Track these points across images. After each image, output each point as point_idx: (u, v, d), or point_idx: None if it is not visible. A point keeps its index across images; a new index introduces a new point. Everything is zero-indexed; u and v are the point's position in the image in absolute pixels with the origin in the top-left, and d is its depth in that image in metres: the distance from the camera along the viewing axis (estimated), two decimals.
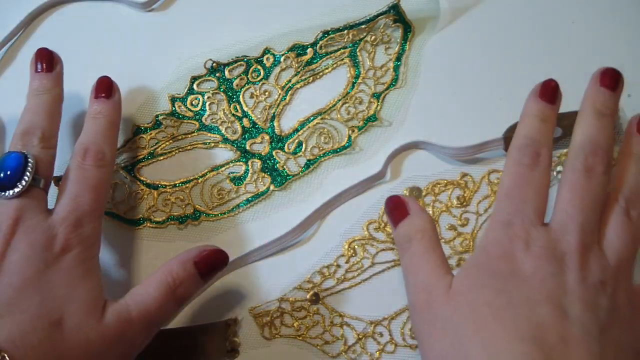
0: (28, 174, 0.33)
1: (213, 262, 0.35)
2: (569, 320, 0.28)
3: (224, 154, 0.42)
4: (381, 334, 0.38)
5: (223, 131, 0.42)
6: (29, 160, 0.34)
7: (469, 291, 0.30)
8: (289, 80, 0.42)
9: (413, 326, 0.35)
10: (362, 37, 0.42)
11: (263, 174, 0.41)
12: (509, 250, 0.31)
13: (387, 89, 0.42)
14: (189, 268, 0.34)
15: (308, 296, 0.39)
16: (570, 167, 0.32)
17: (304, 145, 0.41)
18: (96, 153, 0.35)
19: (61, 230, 0.33)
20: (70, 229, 0.33)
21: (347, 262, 0.39)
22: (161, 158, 0.41)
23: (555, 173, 0.40)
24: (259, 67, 0.42)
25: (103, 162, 0.35)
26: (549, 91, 0.34)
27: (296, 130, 0.42)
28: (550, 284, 0.29)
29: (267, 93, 0.42)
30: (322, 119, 0.42)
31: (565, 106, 0.40)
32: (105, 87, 0.38)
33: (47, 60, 0.38)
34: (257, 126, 0.42)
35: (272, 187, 0.41)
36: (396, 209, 0.34)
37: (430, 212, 0.40)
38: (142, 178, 0.41)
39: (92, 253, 0.34)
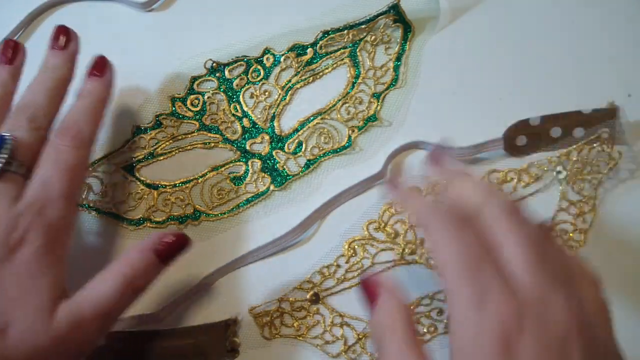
0: (1, 157, 0.32)
1: (174, 248, 0.34)
2: None
3: (224, 154, 0.42)
4: None
5: (223, 131, 0.42)
6: (7, 141, 0.32)
7: None
8: (289, 80, 0.42)
9: None
10: (362, 37, 0.42)
11: (263, 174, 0.41)
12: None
13: (387, 89, 0.42)
14: (149, 257, 0.33)
15: (308, 296, 0.39)
16: (436, 236, 0.28)
17: (304, 145, 0.41)
18: (76, 133, 0.34)
19: (23, 219, 0.31)
20: (32, 216, 0.31)
21: (347, 262, 0.39)
22: (161, 158, 0.41)
23: (555, 173, 0.40)
24: (259, 67, 0.42)
25: (81, 143, 0.34)
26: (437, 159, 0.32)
27: (296, 130, 0.42)
28: None
29: (267, 93, 0.42)
30: (322, 119, 0.42)
31: (565, 106, 0.40)
32: (98, 65, 0.37)
33: (61, 38, 0.37)
34: (257, 126, 0.42)
35: (272, 187, 0.41)
36: (366, 292, 0.30)
37: None
38: (142, 178, 0.41)
39: (57, 244, 0.32)
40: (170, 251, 0.33)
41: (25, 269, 0.31)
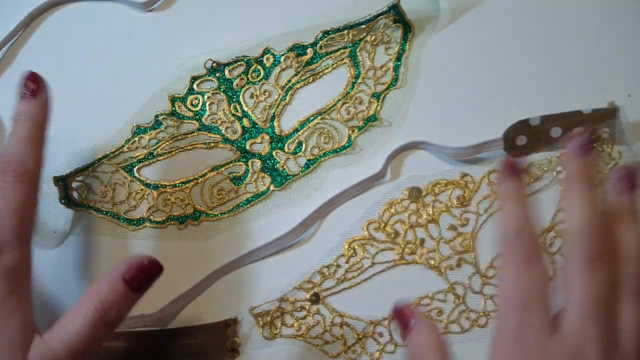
0: None
1: (145, 276, 0.32)
2: None
3: (224, 154, 0.42)
4: (381, 334, 0.38)
5: (223, 131, 0.42)
6: None
7: None
8: (289, 80, 0.42)
9: None
10: (362, 37, 0.42)
11: (263, 174, 0.41)
12: None
13: (387, 89, 0.42)
14: (119, 287, 0.31)
15: (308, 296, 0.39)
16: (570, 260, 0.29)
17: (304, 145, 0.41)
18: (17, 166, 0.32)
19: None
20: None
21: (347, 262, 0.39)
22: (161, 158, 0.41)
23: (555, 173, 0.40)
24: (259, 67, 0.42)
25: (26, 177, 0.32)
26: (512, 170, 0.31)
27: (296, 130, 0.42)
28: None
29: (267, 93, 0.42)
30: (322, 119, 0.42)
31: (565, 106, 0.40)
32: (31, 84, 0.34)
33: (34, 85, 0.34)
34: (257, 126, 0.42)
35: (272, 187, 0.41)
36: (398, 317, 0.32)
37: (430, 212, 0.40)
38: (142, 178, 0.41)
39: (16, 286, 0.31)
40: (140, 279, 0.31)
41: None
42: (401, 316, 0.32)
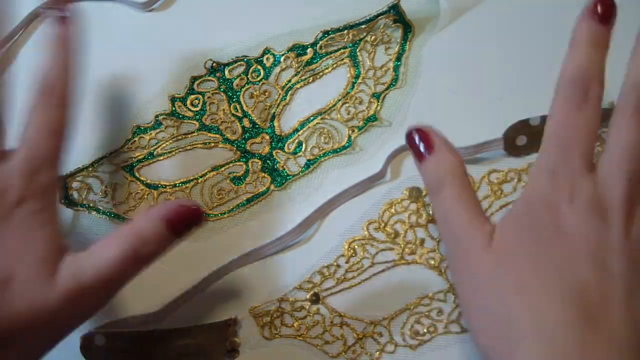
0: None
1: (185, 219, 0.31)
2: (611, 277, 0.28)
3: (224, 154, 0.42)
4: (381, 334, 0.38)
5: (223, 131, 0.42)
6: None
7: (510, 245, 0.29)
8: (289, 80, 0.42)
9: (451, 275, 0.35)
10: (362, 37, 0.42)
11: (263, 174, 0.41)
12: (553, 202, 0.29)
13: (387, 89, 0.42)
14: (158, 226, 0.31)
15: (308, 296, 0.39)
16: (620, 110, 0.30)
17: (304, 145, 0.41)
18: (51, 91, 0.33)
19: (17, 181, 0.31)
20: (26, 179, 0.31)
21: (347, 262, 0.39)
22: (161, 158, 0.41)
23: None
24: (259, 67, 0.42)
25: (61, 101, 0.33)
26: (604, 10, 0.31)
27: (296, 130, 0.42)
28: (593, 240, 0.28)
29: (267, 93, 0.42)
30: (322, 119, 0.42)
31: None
32: (58, 6, 0.35)
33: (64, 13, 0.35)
34: (257, 126, 0.42)
35: (272, 187, 0.41)
36: (421, 141, 0.32)
37: (431, 212, 0.40)
38: (142, 178, 0.41)
39: (48, 203, 0.32)
40: (182, 223, 0.31)
41: (24, 226, 0.31)
42: (425, 137, 0.32)
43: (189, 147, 0.42)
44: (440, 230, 0.32)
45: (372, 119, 0.41)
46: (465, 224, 0.31)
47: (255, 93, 0.42)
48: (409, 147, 0.33)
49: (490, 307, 0.29)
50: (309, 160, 0.41)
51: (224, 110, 0.42)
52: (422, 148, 0.32)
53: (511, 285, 0.29)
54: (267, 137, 0.42)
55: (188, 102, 0.42)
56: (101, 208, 0.41)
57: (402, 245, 0.39)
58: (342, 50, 0.42)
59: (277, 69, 0.42)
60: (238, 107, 0.42)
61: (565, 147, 0.30)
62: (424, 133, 0.32)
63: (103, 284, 0.31)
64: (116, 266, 0.30)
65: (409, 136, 0.33)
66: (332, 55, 0.42)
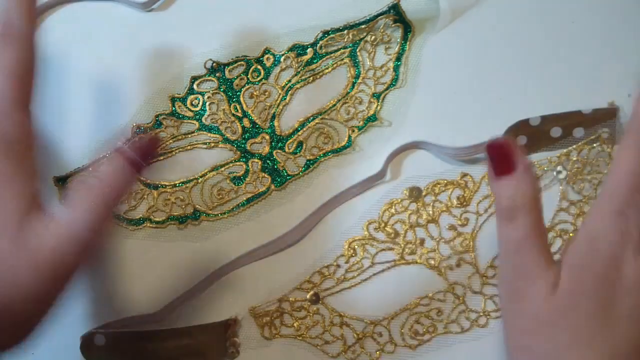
0: None
1: (141, 147, 0.31)
2: None
3: (224, 154, 0.42)
4: (381, 334, 0.38)
5: (223, 131, 0.42)
6: None
7: (572, 295, 0.28)
8: (289, 80, 0.42)
9: (501, 301, 0.33)
10: (362, 37, 0.42)
11: (263, 174, 0.41)
12: (619, 251, 0.28)
13: (387, 89, 0.42)
14: (117, 161, 0.30)
15: (308, 296, 0.39)
16: None
17: (303, 145, 0.41)
18: (7, 29, 0.30)
19: None
20: None
21: (347, 262, 0.39)
22: (161, 158, 0.41)
23: (555, 173, 0.40)
24: (259, 67, 0.42)
25: (14, 37, 0.30)
26: None
27: (296, 130, 0.42)
28: None
29: (267, 93, 0.42)
30: (322, 119, 0.42)
31: (565, 106, 0.40)
32: None
33: None
34: (257, 126, 0.42)
35: (272, 187, 0.41)
36: (501, 160, 0.29)
37: (430, 212, 0.40)
38: (142, 178, 0.41)
39: (13, 153, 0.29)
40: (136, 149, 0.31)
41: None
42: (509, 153, 0.29)
43: (189, 147, 0.42)
44: (503, 257, 0.30)
45: (372, 119, 0.41)
46: (536, 260, 0.29)
47: (255, 93, 0.42)
48: (489, 158, 0.30)
49: (536, 351, 0.28)
50: (308, 160, 0.41)
51: (224, 110, 0.42)
52: (503, 164, 0.29)
53: (566, 337, 0.28)
54: (267, 137, 0.42)
55: (188, 102, 0.42)
56: None
57: (402, 245, 0.39)
58: (342, 50, 0.42)
59: (277, 69, 0.42)
60: (238, 107, 0.42)
61: (637, 191, 0.28)
62: (509, 148, 0.30)
63: (77, 237, 0.29)
64: (88, 213, 0.29)
65: (492, 146, 0.30)
66: (332, 55, 0.42)
